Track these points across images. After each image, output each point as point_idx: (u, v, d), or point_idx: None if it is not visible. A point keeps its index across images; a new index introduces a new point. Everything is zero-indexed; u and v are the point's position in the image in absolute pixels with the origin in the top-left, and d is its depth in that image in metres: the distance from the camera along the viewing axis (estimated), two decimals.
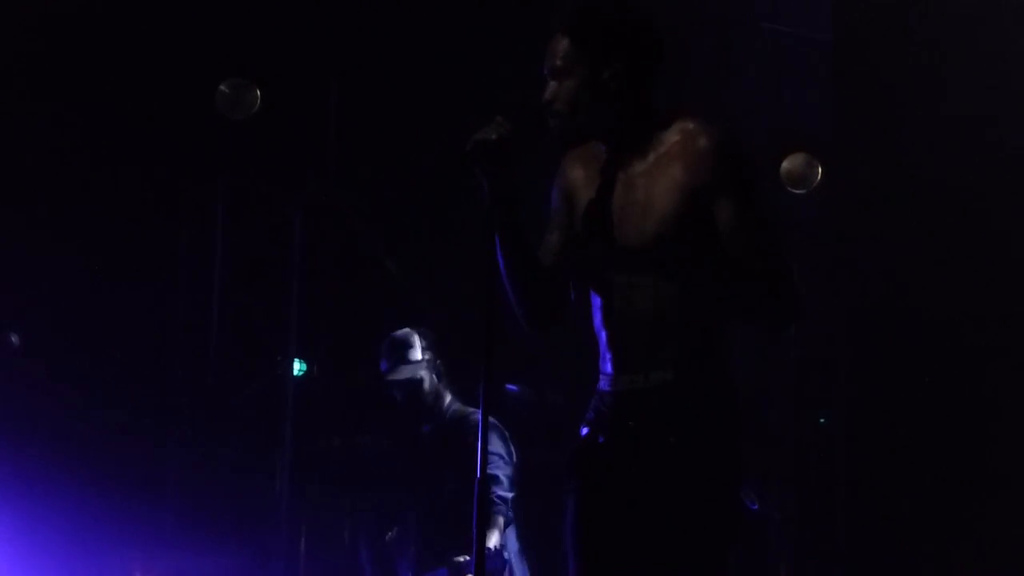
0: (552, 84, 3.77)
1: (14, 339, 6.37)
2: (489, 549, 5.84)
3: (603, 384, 3.83)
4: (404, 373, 6.22)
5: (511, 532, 6.19)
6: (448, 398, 6.29)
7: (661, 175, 3.72)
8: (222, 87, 7.38)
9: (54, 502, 7.30)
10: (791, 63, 7.93)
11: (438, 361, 6.28)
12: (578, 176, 3.87)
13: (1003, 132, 7.15)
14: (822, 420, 7.83)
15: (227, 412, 7.69)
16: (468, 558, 5.83)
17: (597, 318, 3.84)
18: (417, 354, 6.24)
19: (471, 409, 6.24)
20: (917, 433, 7.36)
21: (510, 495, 6.09)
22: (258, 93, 7.40)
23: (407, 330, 6.31)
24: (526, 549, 6.26)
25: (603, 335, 3.83)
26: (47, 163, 7.40)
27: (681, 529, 3.68)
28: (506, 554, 6.07)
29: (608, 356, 3.81)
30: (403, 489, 6.35)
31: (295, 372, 7.61)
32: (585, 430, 3.84)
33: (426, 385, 6.24)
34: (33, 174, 7.41)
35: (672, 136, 3.74)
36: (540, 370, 7.37)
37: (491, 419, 6.05)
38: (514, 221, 3.75)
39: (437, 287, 7.55)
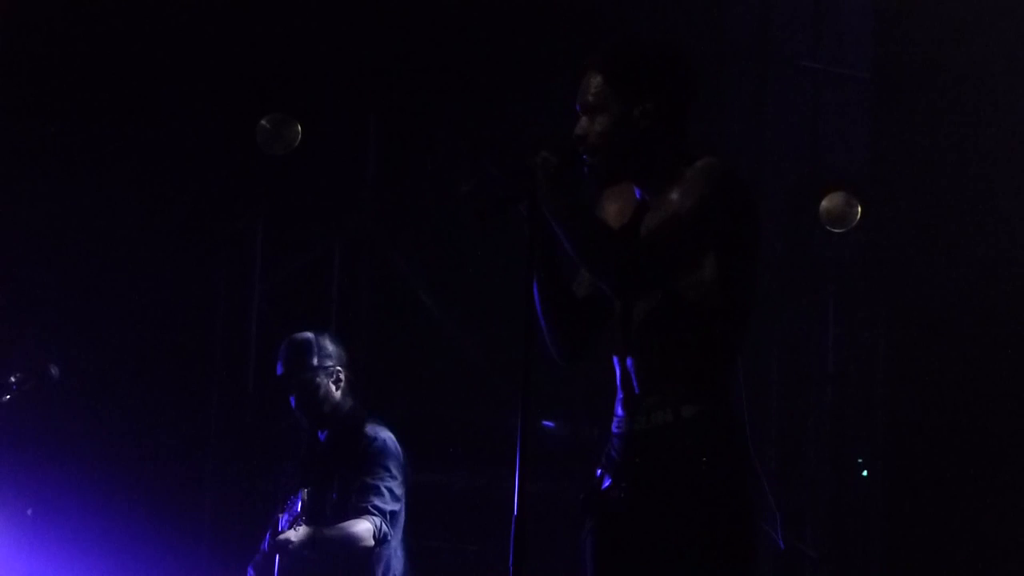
0: (583, 120, 3.77)
1: (54, 371, 6.41)
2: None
3: (613, 426, 3.82)
4: (299, 377, 6.09)
5: (397, 552, 6.02)
6: (348, 406, 6.13)
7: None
8: (263, 122, 7.43)
9: (92, 532, 7.34)
10: (829, 101, 7.92)
11: (337, 368, 6.11)
12: (610, 212, 3.87)
13: None
14: (860, 460, 7.78)
15: (265, 446, 7.70)
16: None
17: (613, 358, 3.84)
18: (314, 359, 6.08)
19: (370, 418, 6.12)
20: (956, 474, 7.30)
21: (389, 508, 5.92)
22: (299, 128, 7.44)
23: (306, 334, 6.17)
24: (414, 571, 6.12)
25: (616, 375, 3.83)
26: (87, 198, 7.45)
27: (688, 569, 3.65)
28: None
29: (619, 396, 3.80)
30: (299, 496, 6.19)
31: None
32: (598, 471, 3.82)
33: (322, 391, 6.08)
34: (73, 209, 7.46)
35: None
36: (576, 406, 7.35)
37: (386, 433, 6.08)
38: (552, 253, 3.75)
39: (475, 322, 7.56)
